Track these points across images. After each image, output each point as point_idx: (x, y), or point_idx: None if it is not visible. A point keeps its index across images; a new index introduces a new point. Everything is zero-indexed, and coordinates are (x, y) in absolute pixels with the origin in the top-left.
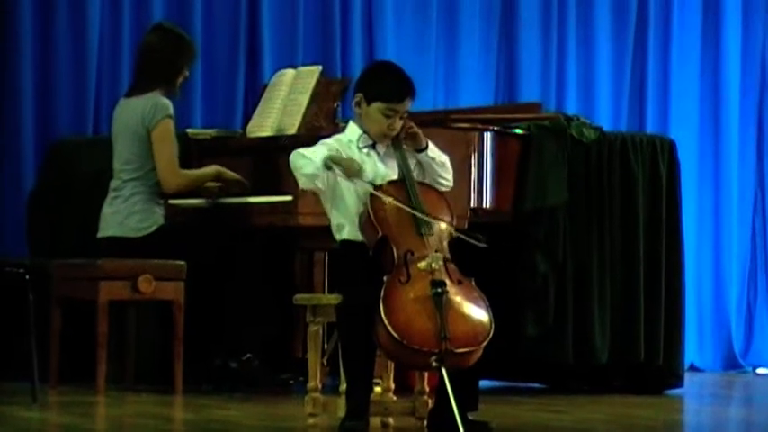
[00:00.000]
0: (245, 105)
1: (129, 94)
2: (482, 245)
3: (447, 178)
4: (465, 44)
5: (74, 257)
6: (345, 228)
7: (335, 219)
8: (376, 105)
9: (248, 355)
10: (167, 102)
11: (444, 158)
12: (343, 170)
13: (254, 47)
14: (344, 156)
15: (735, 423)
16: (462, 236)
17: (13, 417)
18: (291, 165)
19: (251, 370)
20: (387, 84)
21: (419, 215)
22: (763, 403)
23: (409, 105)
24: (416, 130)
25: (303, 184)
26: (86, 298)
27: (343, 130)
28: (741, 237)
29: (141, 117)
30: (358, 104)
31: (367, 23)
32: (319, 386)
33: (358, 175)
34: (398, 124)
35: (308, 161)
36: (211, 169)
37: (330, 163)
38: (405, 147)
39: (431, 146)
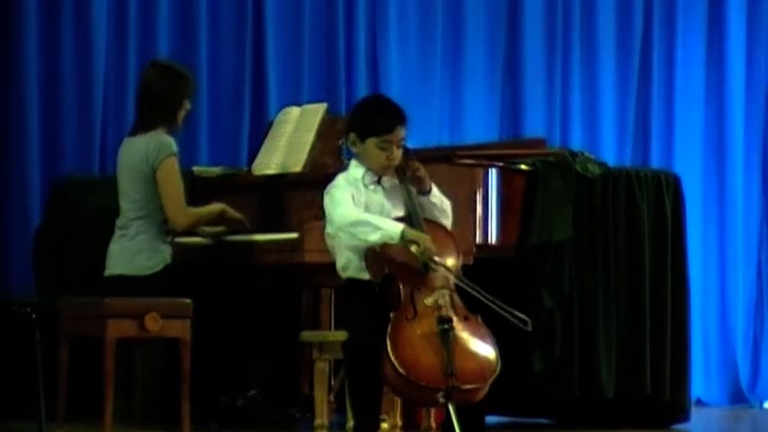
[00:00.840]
0: (251, 143)
1: (132, 133)
2: (527, 328)
3: (446, 224)
4: (469, 80)
5: (80, 295)
6: (351, 266)
7: (342, 257)
8: (370, 141)
9: (253, 391)
10: (170, 140)
11: (446, 205)
12: (419, 251)
13: (259, 84)
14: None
15: None
16: (462, 285)
17: None
18: (348, 227)
19: (257, 406)
20: (375, 118)
21: (429, 262)
22: None
23: (403, 133)
24: (422, 174)
25: (354, 245)
26: (94, 336)
27: (347, 167)
28: (747, 270)
29: (145, 156)
30: (353, 144)
31: (371, 60)
32: (326, 423)
33: (431, 258)
34: (397, 153)
35: (374, 229)
36: (217, 207)
37: (408, 239)
38: (409, 186)
39: (434, 190)
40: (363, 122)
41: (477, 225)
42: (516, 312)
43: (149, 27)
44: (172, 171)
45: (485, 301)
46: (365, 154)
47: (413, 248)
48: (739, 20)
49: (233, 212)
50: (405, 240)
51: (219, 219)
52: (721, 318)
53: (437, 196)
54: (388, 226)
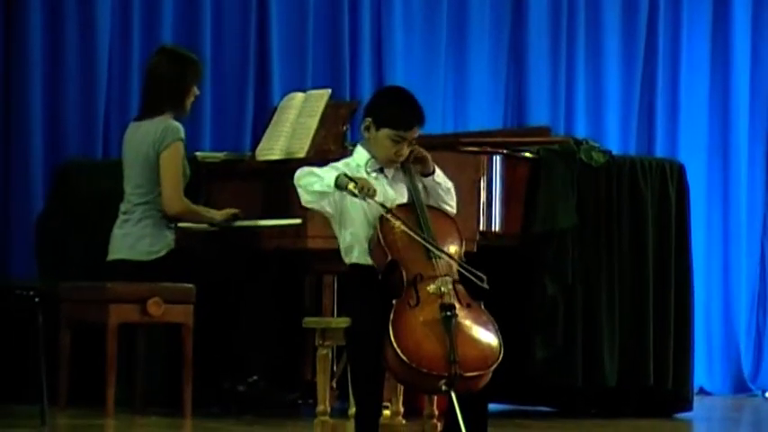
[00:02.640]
0: (255, 128)
1: (139, 118)
2: (484, 285)
3: (451, 204)
4: (474, 67)
5: (82, 279)
6: (354, 251)
7: (344, 241)
8: (385, 131)
9: (255, 377)
10: (178, 125)
11: (450, 185)
12: (357, 188)
13: (263, 70)
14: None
15: None
16: (464, 272)
17: None
18: (297, 180)
19: (259, 393)
20: (396, 111)
21: (426, 244)
22: None
23: (417, 133)
24: (425, 154)
25: (306, 201)
26: (96, 321)
27: (351, 153)
28: (750, 260)
29: (152, 141)
30: (367, 129)
31: (376, 46)
32: (328, 410)
33: (372, 195)
34: (406, 151)
35: (317, 178)
36: (207, 215)
37: (344, 180)
38: (413, 170)
39: (438, 171)
40: (384, 111)
41: (481, 212)
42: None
43: (154, 12)
44: (175, 156)
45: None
46: (376, 142)
47: (350, 186)
48: (745, 9)
49: (220, 215)
50: (340, 184)
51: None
52: (724, 307)
53: (440, 177)
54: (326, 174)
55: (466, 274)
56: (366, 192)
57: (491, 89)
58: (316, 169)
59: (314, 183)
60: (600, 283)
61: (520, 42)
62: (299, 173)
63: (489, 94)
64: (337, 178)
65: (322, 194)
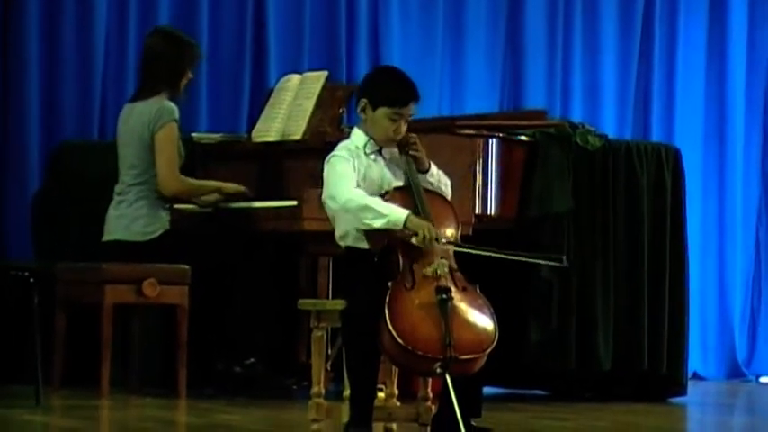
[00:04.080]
0: (251, 110)
1: (133, 99)
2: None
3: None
4: (470, 51)
5: (78, 261)
6: (350, 235)
7: (341, 227)
8: (382, 110)
9: (251, 359)
10: (172, 106)
11: (446, 180)
12: (420, 241)
13: (259, 52)
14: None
15: None
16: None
17: (16, 420)
18: (354, 211)
19: (254, 374)
20: (392, 88)
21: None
22: (765, 412)
23: (414, 109)
24: (420, 153)
25: (355, 227)
26: (91, 301)
27: (348, 135)
28: (745, 245)
29: (147, 122)
30: (363, 110)
31: (373, 29)
32: (323, 391)
33: (432, 244)
34: (404, 128)
35: (378, 216)
36: (212, 184)
37: (411, 228)
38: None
39: (433, 169)
40: (379, 91)
41: (477, 195)
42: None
43: None
44: (170, 136)
45: (496, 255)
46: (373, 122)
47: (413, 240)
48: None
49: (230, 186)
50: (407, 229)
51: (215, 193)
52: (719, 292)
53: (435, 175)
54: (392, 214)
55: (465, 250)
56: (428, 243)
57: (487, 73)
58: (370, 202)
59: (375, 219)
60: (595, 267)
61: (516, 26)
62: (349, 201)
63: (485, 78)
64: (406, 221)
65: (379, 228)
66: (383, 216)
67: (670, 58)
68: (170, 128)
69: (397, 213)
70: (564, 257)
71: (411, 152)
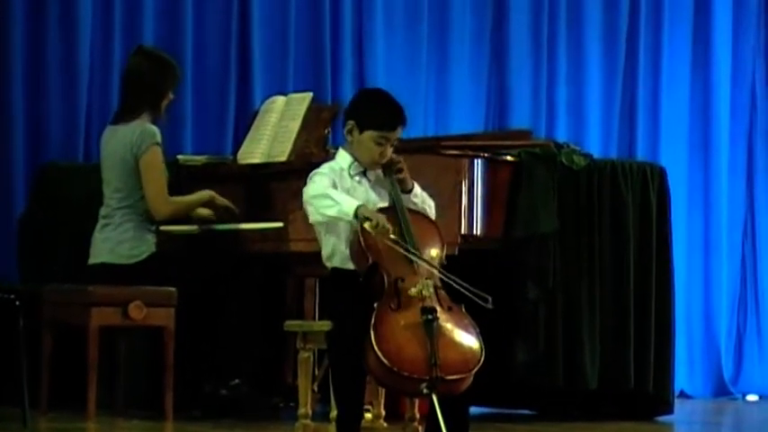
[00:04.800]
0: (236, 132)
1: (115, 121)
2: (488, 305)
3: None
4: (455, 70)
5: (64, 282)
6: (336, 256)
7: (328, 247)
8: (368, 134)
9: (237, 380)
10: (154, 129)
11: (430, 202)
12: (373, 225)
13: (244, 73)
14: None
15: None
16: (467, 293)
17: None
18: (308, 197)
19: (240, 396)
20: (379, 112)
21: (409, 255)
22: (752, 430)
23: (400, 133)
24: (404, 175)
25: (315, 220)
26: (77, 324)
27: (333, 156)
28: (731, 263)
29: (129, 146)
30: (350, 132)
31: (357, 50)
32: (310, 413)
33: (388, 236)
34: (389, 152)
35: (332, 202)
36: (204, 194)
37: (363, 215)
38: (392, 174)
39: (416, 190)
40: (367, 114)
41: (463, 216)
42: (477, 291)
43: (135, 13)
44: (155, 160)
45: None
46: (359, 145)
47: (366, 225)
48: (725, 12)
49: (221, 199)
50: (359, 217)
51: (208, 205)
52: (705, 310)
53: (419, 196)
54: (345, 202)
55: (469, 295)
56: (381, 230)
57: (472, 92)
58: (331, 191)
59: (330, 206)
60: (581, 286)
61: (501, 45)
62: (312, 191)
63: (470, 97)
64: (357, 209)
65: (336, 219)
66: (336, 203)
67: (655, 75)
68: (153, 152)
69: (349, 201)
70: (489, 299)
71: (396, 174)
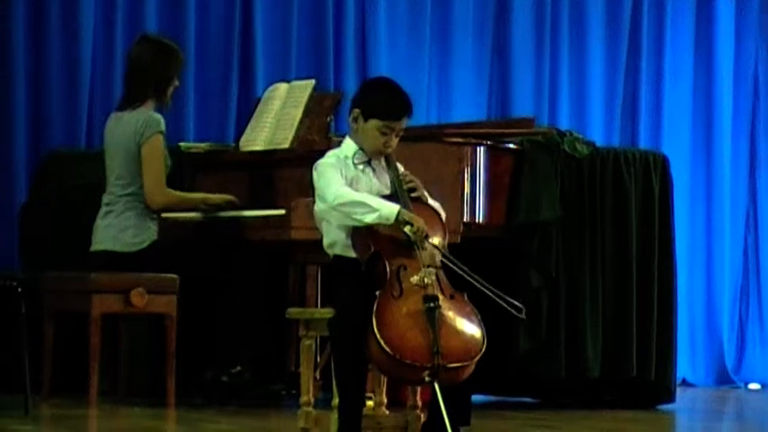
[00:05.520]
0: (238, 119)
1: (120, 108)
2: (521, 316)
3: None
4: (458, 59)
5: (66, 270)
6: (338, 244)
7: (329, 235)
8: (373, 122)
9: (239, 368)
10: (159, 117)
11: (441, 212)
12: (413, 231)
13: (247, 61)
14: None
15: None
16: (498, 299)
17: (5, 430)
18: (341, 207)
19: (242, 383)
20: (385, 101)
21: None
22: (754, 418)
23: (405, 123)
24: (419, 193)
25: (345, 223)
26: (79, 311)
27: (336, 144)
28: (733, 252)
29: (133, 133)
30: (355, 120)
31: (360, 37)
32: (312, 400)
33: (425, 240)
34: (394, 142)
35: (370, 210)
36: (198, 196)
37: (403, 220)
38: (394, 161)
39: (429, 200)
40: (372, 102)
41: (465, 204)
42: (508, 298)
43: (138, 2)
44: (156, 149)
45: (471, 281)
46: (364, 133)
47: (406, 229)
48: (729, 1)
49: (216, 197)
50: (399, 222)
51: (203, 205)
52: (707, 299)
53: (429, 203)
54: (384, 208)
55: (499, 302)
56: (420, 236)
57: (475, 81)
58: (366, 198)
59: (367, 213)
60: (583, 274)
61: (504, 33)
62: (338, 198)
63: (473, 85)
64: (398, 215)
65: (371, 225)
66: (375, 210)
67: (657, 65)
68: (156, 140)
69: (389, 206)
70: (523, 309)
71: (407, 189)
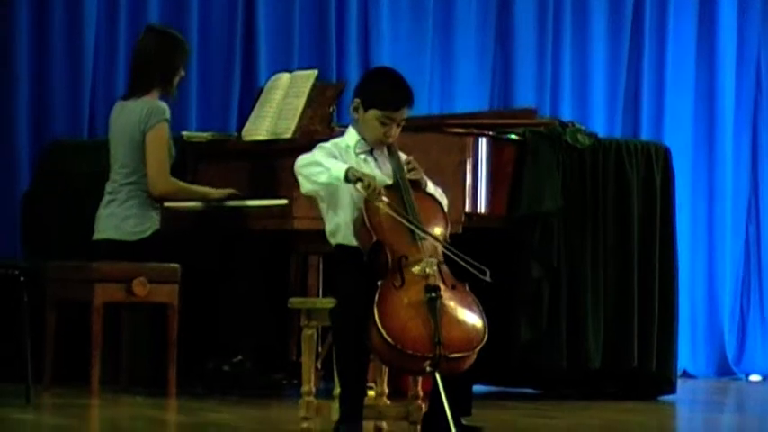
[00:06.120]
0: (241, 109)
1: (126, 97)
2: (486, 278)
3: None
4: (460, 49)
5: (68, 259)
6: (340, 232)
7: (332, 223)
8: (373, 112)
9: (240, 357)
10: (164, 105)
11: (444, 200)
12: (364, 186)
13: (249, 50)
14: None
15: (727, 430)
16: (465, 265)
17: (7, 418)
18: (298, 168)
19: (244, 373)
20: (384, 91)
21: (410, 225)
22: (755, 410)
23: (406, 114)
24: (418, 176)
25: (308, 190)
26: (81, 300)
27: (339, 134)
28: (734, 244)
29: (137, 121)
30: (356, 110)
31: (363, 28)
32: (313, 390)
33: (378, 196)
34: (395, 131)
35: (322, 168)
36: (199, 190)
37: (353, 177)
38: (397, 151)
39: (430, 186)
40: (372, 92)
41: (467, 194)
42: (473, 262)
43: None
44: (161, 136)
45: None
46: (364, 123)
47: (358, 186)
48: None
49: (216, 193)
50: (350, 180)
51: (202, 199)
52: (708, 290)
53: (432, 191)
54: (334, 166)
55: (468, 267)
56: (373, 192)
57: (477, 71)
58: (320, 158)
59: (320, 173)
60: (585, 265)
61: (506, 24)
62: (300, 161)
63: (475, 76)
64: (347, 172)
65: (327, 185)
66: (326, 169)
67: (660, 57)
68: (161, 128)
69: (339, 166)
70: (487, 272)
71: (409, 176)
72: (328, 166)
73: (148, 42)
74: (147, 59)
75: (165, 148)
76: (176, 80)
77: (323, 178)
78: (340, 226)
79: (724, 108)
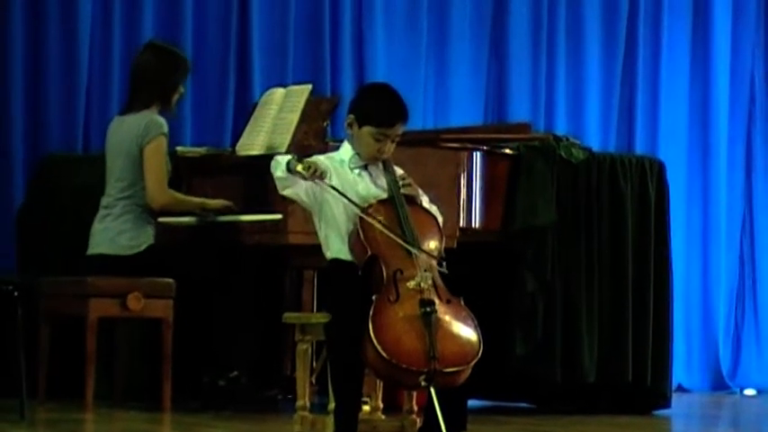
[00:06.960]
0: (235, 123)
1: (123, 112)
2: (443, 269)
3: None
4: (455, 63)
5: (63, 274)
6: (334, 245)
7: (324, 236)
8: (367, 129)
9: (235, 372)
10: (162, 120)
11: (438, 217)
12: (304, 168)
13: (244, 65)
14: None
15: None
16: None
17: None
18: (273, 171)
19: (238, 388)
20: (378, 108)
21: (400, 241)
22: (750, 424)
23: (401, 130)
24: (413, 191)
25: (279, 189)
26: (75, 315)
27: (333, 148)
28: (729, 258)
29: (135, 135)
30: (350, 126)
31: (357, 42)
32: (308, 405)
33: (322, 177)
34: (389, 148)
35: (276, 164)
36: (196, 200)
37: (293, 163)
38: (391, 166)
39: (425, 202)
40: (366, 109)
41: (461, 208)
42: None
43: (135, 7)
44: (159, 150)
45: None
46: (359, 139)
47: (299, 168)
48: (725, 6)
49: (213, 203)
50: (292, 166)
51: (199, 209)
52: (703, 304)
53: (426, 204)
54: (283, 159)
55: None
56: (314, 173)
57: (472, 86)
58: (278, 156)
59: (276, 168)
60: (579, 279)
61: (500, 38)
62: (272, 162)
63: (470, 90)
64: (288, 162)
65: (283, 179)
66: (279, 163)
67: (654, 71)
68: (159, 141)
69: (286, 158)
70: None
71: (403, 191)
72: (280, 160)
73: (147, 59)
74: (148, 76)
75: (162, 161)
76: (176, 97)
77: (278, 172)
78: (334, 239)
79: (718, 122)
